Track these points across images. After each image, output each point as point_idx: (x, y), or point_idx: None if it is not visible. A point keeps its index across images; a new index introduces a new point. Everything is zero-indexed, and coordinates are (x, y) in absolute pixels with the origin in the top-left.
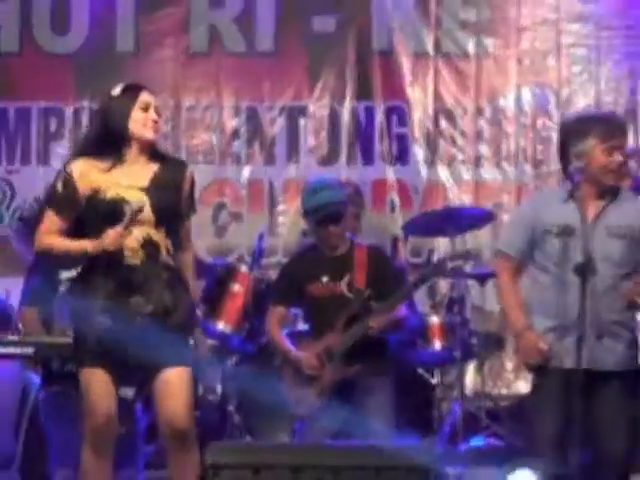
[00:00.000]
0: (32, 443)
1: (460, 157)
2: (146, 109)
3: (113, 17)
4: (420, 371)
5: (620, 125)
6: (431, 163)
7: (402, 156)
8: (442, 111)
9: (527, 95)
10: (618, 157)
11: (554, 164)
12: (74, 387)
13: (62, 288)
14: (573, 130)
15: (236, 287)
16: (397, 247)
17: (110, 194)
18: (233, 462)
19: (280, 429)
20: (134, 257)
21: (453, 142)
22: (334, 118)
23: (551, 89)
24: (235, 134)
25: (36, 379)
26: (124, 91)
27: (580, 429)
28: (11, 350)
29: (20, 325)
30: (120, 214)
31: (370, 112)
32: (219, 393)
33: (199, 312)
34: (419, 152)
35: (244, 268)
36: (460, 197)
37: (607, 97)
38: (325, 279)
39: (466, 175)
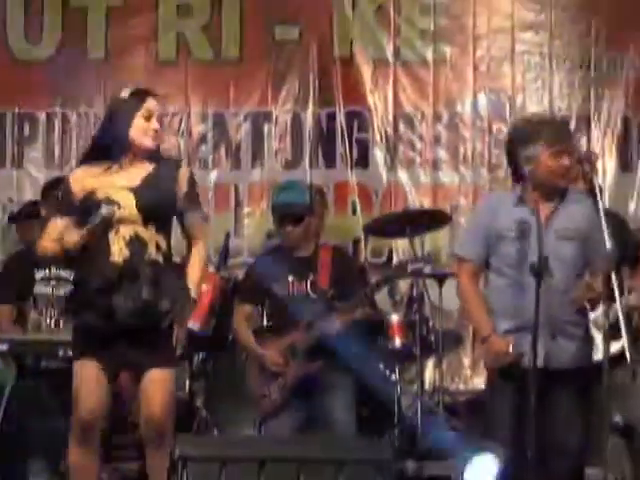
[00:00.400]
0: (7, 435)
1: (419, 161)
2: (149, 117)
3: (84, 26)
4: (381, 367)
5: (566, 129)
6: (391, 166)
7: (363, 160)
8: (401, 116)
9: (483, 101)
10: (565, 161)
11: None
12: (48, 382)
13: (37, 287)
14: (521, 135)
15: (203, 286)
16: (358, 248)
17: (101, 195)
18: (201, 455)
19: (246, 423)
20: (118, 255)
21: (412, 146)
22: (297, 123)
23: (506, 95)
24: (202, 139)
25: (10, 374)
26: (131, 95)
27: (536, 426)
28: None
29: None
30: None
31: (332, 118)
32: (187, 389)
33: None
34: (379, 156)
35: (211, 268)
36: (419, 199)
37: (560, 103)
38: (290, 279)
39: (424, 178)
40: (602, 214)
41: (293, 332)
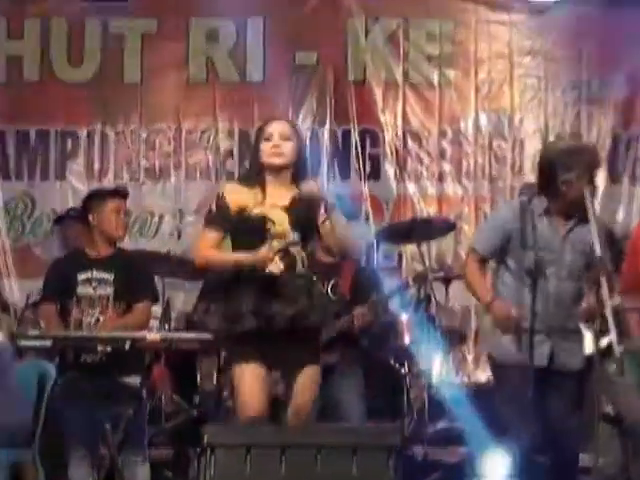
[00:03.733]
0: (50, 425)
1: (425, 174)
2: (269, 138)
3: (121, 51)
4: (392, 362)
5: (599, 159)
6: (400, 179)
7: (375, 173)
8: (410, 133)
9: (484, 119)
10: (595, 185)
11: (508, 180)
12: (87, 375)
13: (80, 288)
14: (562, 161)
15: None
16: (371, 252)
17: (256, 211)
18: (227, 442)
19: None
20: (274, 267)
21: (419, 160)
22: (316, 140)
23: (505, 114)
24: (229, 154)
25: (52, 368)
26: (259, 127)
27: (539, 418)
28: (33, 343)
29: (40, 320)
30: (263, 230)
31: (347, 134)
32: (215, 381)
33: None
34: (389, 169)
35: None
36: (425, 209)
37: (554, 122)
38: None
39: (431, 189)
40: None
41: None
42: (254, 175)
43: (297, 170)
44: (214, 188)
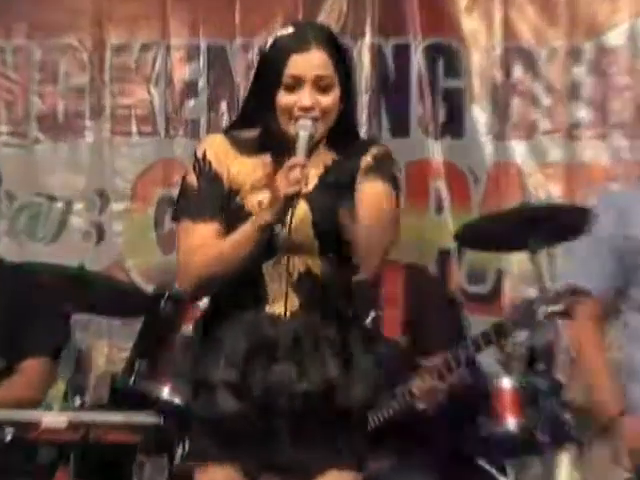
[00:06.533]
0: None
1: (544, 126)
2: (293, 86)
3: None
4: (483, 463)
5: None
6: (499, 135)
7: (454, 124)
8: (516, 53)
9: None
10: None
11: None
12: None
13: None
14: None
15: (188, 330)
16: (447, 266)
17: (249, 200)
18: None
19: None
20: (280, 303)
21: (534, 102)
22: None
23: None
24: (190, 89)
25: None
26: (272, 47)
27: None
28: None
29: None
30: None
31: (403, 55)
32: None
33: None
34: (481, 117)
35: (202, 302)
36: (546, 188)
37: None
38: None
39: (555, 153)
40: None
41: None
42: (264, 144)
43: (342, 127)
44: (164, 149)
